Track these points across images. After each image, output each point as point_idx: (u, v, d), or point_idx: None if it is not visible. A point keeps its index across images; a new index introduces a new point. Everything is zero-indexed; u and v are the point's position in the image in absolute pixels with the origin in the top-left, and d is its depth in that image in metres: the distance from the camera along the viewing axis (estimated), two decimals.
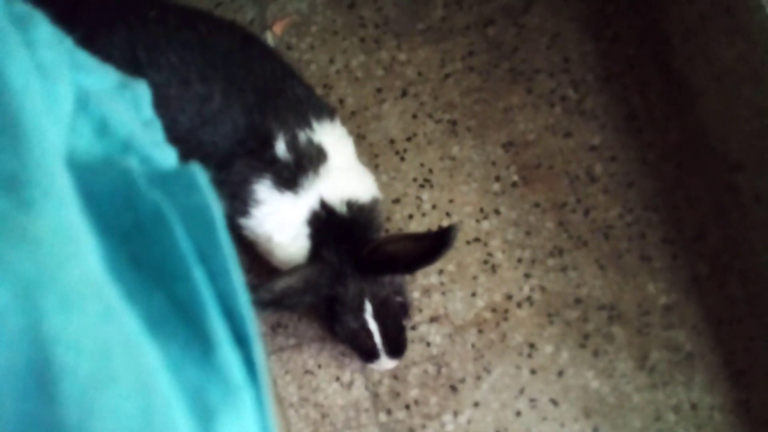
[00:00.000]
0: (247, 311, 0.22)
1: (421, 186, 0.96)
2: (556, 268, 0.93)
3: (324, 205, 0.75)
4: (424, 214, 0.96)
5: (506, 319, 0.92)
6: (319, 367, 0.94)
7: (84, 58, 0.28)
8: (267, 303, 0.67)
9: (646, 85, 0.95)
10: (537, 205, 0.94)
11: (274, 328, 0.95)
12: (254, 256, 0.90)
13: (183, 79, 0.70)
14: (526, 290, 0.92)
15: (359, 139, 0.98)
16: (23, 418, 0.15)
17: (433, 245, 0.67)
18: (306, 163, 0.75)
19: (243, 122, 0.72)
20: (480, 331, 0.92)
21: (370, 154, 0.97)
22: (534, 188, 0.95)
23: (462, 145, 0.97)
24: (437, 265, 0.93)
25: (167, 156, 0.29)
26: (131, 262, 0.21)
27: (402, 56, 1.01)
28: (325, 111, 0.81)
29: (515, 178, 0.96)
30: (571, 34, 0.99)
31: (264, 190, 0.74)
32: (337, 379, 0.93)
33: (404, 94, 0.99)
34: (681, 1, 0.87)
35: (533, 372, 0.90)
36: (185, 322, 0.20)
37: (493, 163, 0.96)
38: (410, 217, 0.96)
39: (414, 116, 0.98)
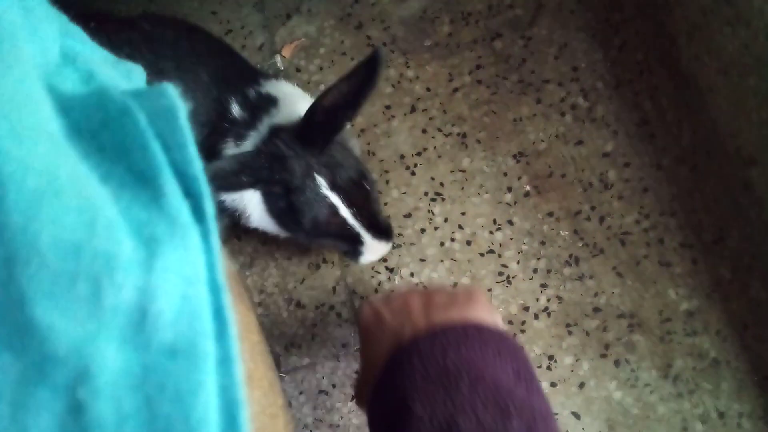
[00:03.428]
0: (199, 172, 0.27)
1: (433, 200, 1.10)
2: (572, 278, 1.04)
3: (275, 129, 0.84)
4: (436, 228, 1.09)
5: (523, 331, 1.03)
6: (334, 386, 1.05)
7: (78, 31, 0.35)
8: None
9: (657, 90, 1.08)
10: (551, 214, 1.07)
11: (288, 348, 1.08)
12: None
13: None
14: (542, 301, 1.04)
15: (369, 155, 1.12)
16: None
17: (367, 71, 0.72)
18: (258, 112, 0.88)
19: (201, 100, 0.87)
20: None
21: (380, 170, 1.11)
22: (547, 197, 1.07)
23: (472, 157, 1.11)
24: (451, 277, 1.05)
25: None
26: (97, 152, 0.26)
27: (410, 73, 1.16)
28: (271, 75, 0.96)
29: (527, 188, 1.08)
30: (579, 44, 1.13)
31: (230, 152, 0.86)
32: (352, 398, 1.05)
33: (413, 109, 1.14)
34: (684, 0, 1.00)
35: (553, 385, 1.00)
36: (137, 178, 0.26)
37: (505, 174, 1.09)
38: (422, 231, 1.09)
39: (423, 131, 1.13)
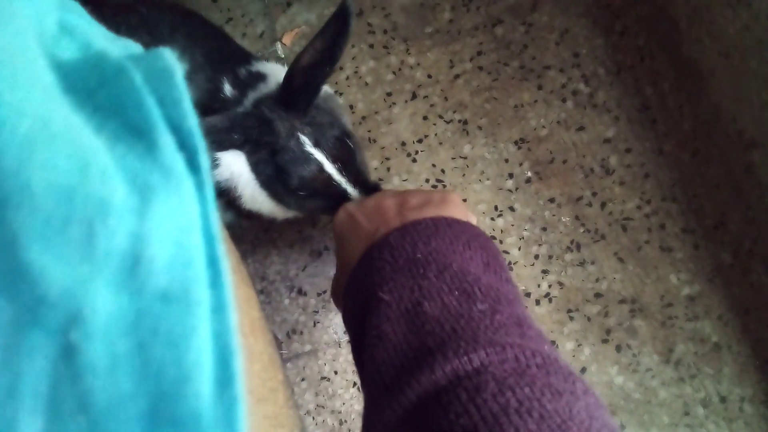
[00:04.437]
0: (194, 127, 0.27)
1: (434, 186, 1.10)
2: (574, 263, 1.04)
3: (257, 100, 0.86)
4: None
5: None
6: (336, 373, 1.05)
7: (76, 5, 0.35)
8: None
9: (658, 75, 1.07)
10: (552, 200, 1.06)
11: (289, 335, 1.08)
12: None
13: None
14: (544, 286, 1.04)
15: (370, 143, 1.12)
16: None
17: (338, 26, 0.73)
18: (247, 89, 0.89)
19: (196, 81, 0.88)
20: None
21: (381, 157, 1.11)
22: (548, 183, 1.07)
23: (474, 143, 1.10)
24: None
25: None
26: (93, 109, 0.26)
27: (411, 60, 1.16)
28: (263, 57, 0.97)
29: (529, 174, 1.08)
30: (580, 30, 1.13)
31: None
32: (354, 384, 1.05)
33: (414, 96, 1.14)
34: None
35: None
36: (131, 132, 0.25)
37: (506, 160, 1.09)
38: None
39: (425, 118, 1.13)
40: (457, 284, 0.49)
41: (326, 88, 0.91)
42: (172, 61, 0.28)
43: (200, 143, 0.26)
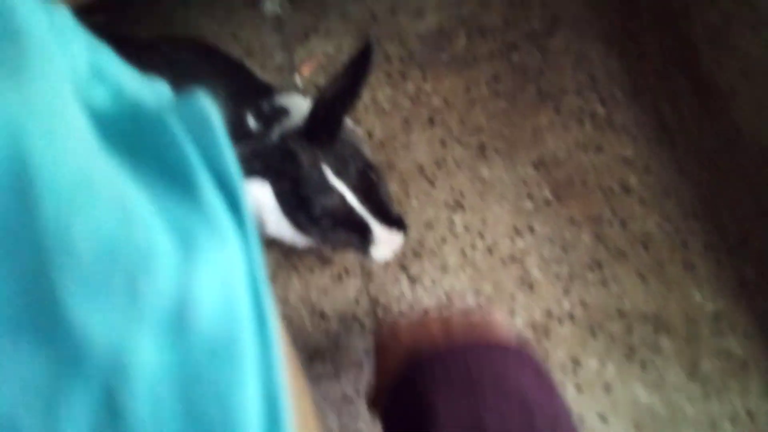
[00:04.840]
0: (233, 169, 0.26)
1: (453, 209, 1.10)
2: (595, 282, 1.03)
3: (284, 134, 0.87)
4: (456, 237, 1.09)
5: (548, 336, 1.02)
6: (358, 394, 1.05)
7: (105, 48, 0.35)
8: None
9: (676, 95, 1.08)
10: (572, 220, 1.07)
11: (312, 358, 1.08)
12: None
13: None
14: (566, 306, 1.03)
15: (388, 167, 1.14)
16: (6, 228, 0.18)
17: (361, 60, 0.76)
18: (272, 122, 0.90)
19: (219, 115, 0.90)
20: None
21: (399, 181, 1.12)
22: (568, 204, 1.08)
23: (491, 166, 1.11)
24: (473, 285, 1.05)
25: None
26: (131, 156, 0.25)
27: (427, 86, 1.17)
28: (283, 89, 0.99)
29: (548, 195, 1.09)
30: (596, 54, 1.14)
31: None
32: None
33: (431, 122, 1.15)
34: (703, 5, 1.02)
35: (579, 388, 0.99)
36: (171, 177, 0.25)
37: (525, 182, 1.10)
38: (443, 240, 1.09)
39: (442, 142, 1.14)
40: (514, 399, 0.50)
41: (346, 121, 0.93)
42: (208, 105, 0.28)
43: (240, 186, 0.26)
